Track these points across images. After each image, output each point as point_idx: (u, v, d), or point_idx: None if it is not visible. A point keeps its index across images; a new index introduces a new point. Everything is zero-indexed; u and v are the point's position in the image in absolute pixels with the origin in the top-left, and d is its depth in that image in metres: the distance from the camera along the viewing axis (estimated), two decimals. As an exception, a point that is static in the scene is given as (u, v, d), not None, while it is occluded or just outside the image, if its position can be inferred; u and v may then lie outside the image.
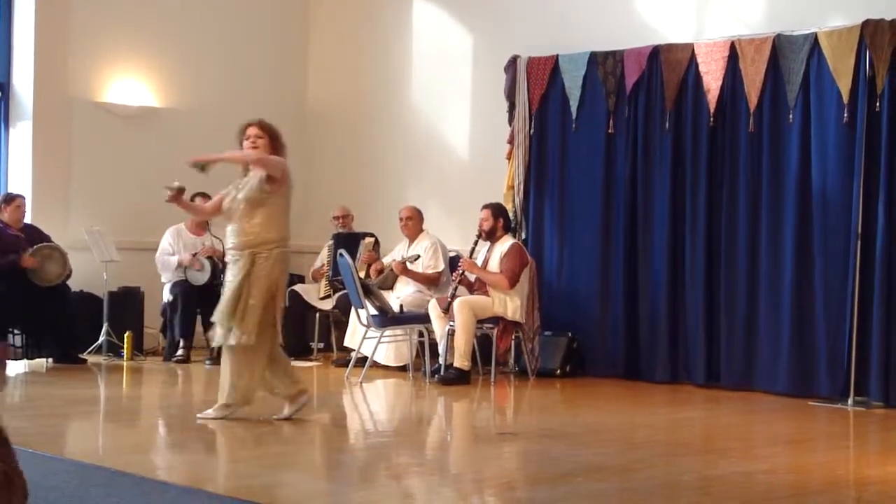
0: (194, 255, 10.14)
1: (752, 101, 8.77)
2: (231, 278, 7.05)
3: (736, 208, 8.90)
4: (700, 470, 5.71)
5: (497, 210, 9.46)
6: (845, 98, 8.28)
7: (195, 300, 10.08)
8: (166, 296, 10.23)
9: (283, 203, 7.17)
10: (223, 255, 10.11)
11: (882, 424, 7.68)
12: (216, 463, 6.15)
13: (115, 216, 10.75)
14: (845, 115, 8.29)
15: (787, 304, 8.60)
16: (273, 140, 7.31)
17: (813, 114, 8.52)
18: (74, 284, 10.06)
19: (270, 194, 7.08)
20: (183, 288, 10.07)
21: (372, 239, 10.46)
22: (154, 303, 10.46)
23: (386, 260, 10.20)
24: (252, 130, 7.31)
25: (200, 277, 10.08)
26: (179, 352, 9.99)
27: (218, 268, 10.03)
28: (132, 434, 7.09)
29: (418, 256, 9.78)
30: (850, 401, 8.09)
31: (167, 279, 10.28)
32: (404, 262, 9.75)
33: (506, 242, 9.31)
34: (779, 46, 8.66)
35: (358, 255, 10.11)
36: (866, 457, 6.73)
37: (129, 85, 11.06)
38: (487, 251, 9.40)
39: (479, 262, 9.34)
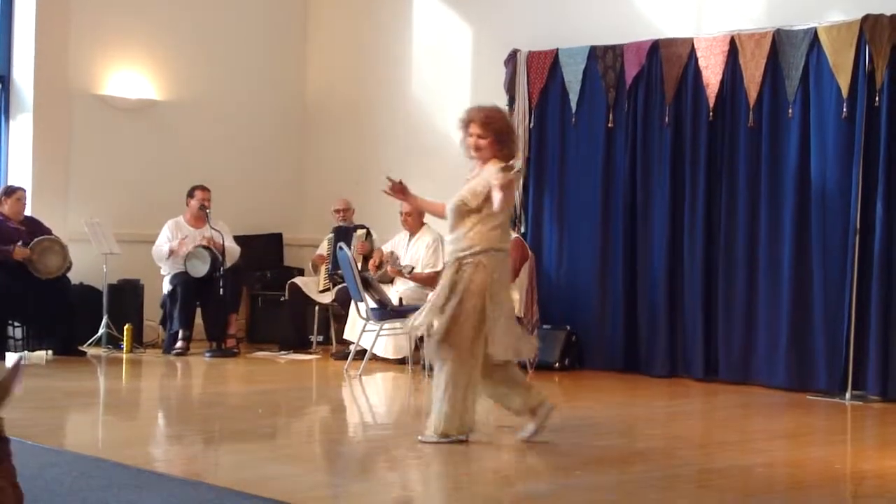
0: (194, 247, 10.12)
1: (752, 95, 8.77)
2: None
3: (735, 203, 8.91)
4: (698, 463, 5.72)
5: (497, 205, 9.45)
6: (845, 93, 8.29)
7: (195, 292, 10.09)
8: (166, 288, 10.24)
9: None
10: (222, 247, 10.13)
11: (879, 418, 7.69)
12: (215, 455, 6.17)
13: (115, 208, 10.76)
14: (844, 109, 8.29)
15: (786, 299, 8.62)
16: (499, 138, 6.19)
17: (812, 108, 8.53)
18: (74, 277, 10.06)
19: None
20: (182, 280, 10.08)
21: (364, 231, 10.47)
22: (154, 295, 10.47)
23: (385, 248, 10.18)
24: (473, 129, 6.21)
25: (200, 269, 10.08)
26: (179, 344, 9.99)
27: (218, 260, 10.03)
28: (131, 426, 7.10)
29: (413, 268, 9.78)
30: (847, 395, 8.11)
31: (166, 271, 10.29)
32: (400, 272, 9.75)
33: (506, 237, 9.30)
34: (778, 41, 8.66)
35: (352, 246, 10.11)
36: (863, 451, 6.75)
37: (130, 77, 11.06)
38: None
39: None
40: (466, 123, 6.23)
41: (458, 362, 6.01)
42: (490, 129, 6.16)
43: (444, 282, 6.14)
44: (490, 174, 6.06)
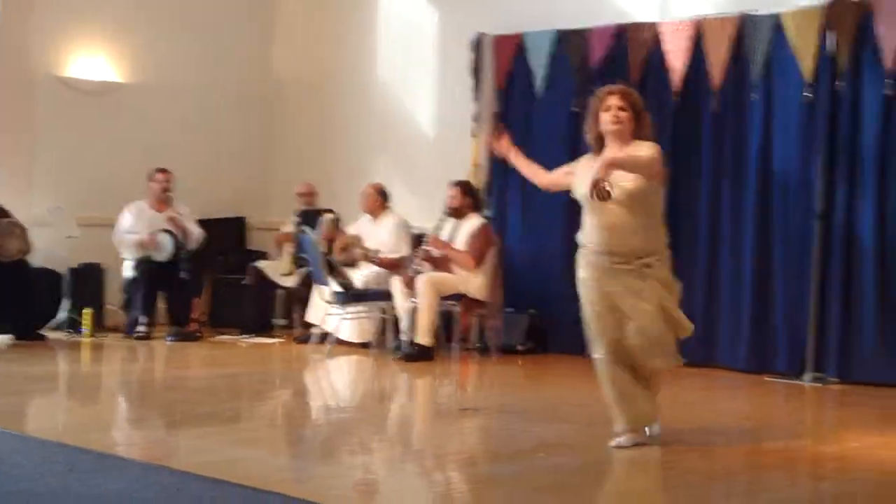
0: (155, 232, 10.06)
1: (716, 79, 8.81)
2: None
3: (698, 186, 8.95)
4: (660, 445, 5.74)
5: (466, 188, 9.48)
6: (807, 77, 8.34)
7: (157, 276, 10.03)
8: (127, 272, 10.17)
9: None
10: (185, 229, 10.07)
11: (839, 400, 7.77)
12: (177, 439, 6.14)
13: (77, 192, 10.67)
14: (807, 94, 8.34)
15: (748, 282, 8.67)
16: (637, 115, 5.76)
17: (775, 93, 8.58)
18: (35, 260, 9.98)
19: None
20: (144, 264, 10.01)
21: (332, 216, 10.42)
22: (115, 279, 10.40)
23: (351, 231, 10.15)
24: (613, 100, 5.72)
25: (162, 253, 10.01)
26: (141, 328, 9.93)
27: (180, 244, 9.97)
28: (93, 411, 7.07)
29: (378, 251, 9.76)
30: (807, 377, 8.18)
31: (127, 256, 10.21)
32: (367, 255, 9.73)
33: (473, 221, 9.32)
34: (742, 25, 8.70)
35: (318, 231, 10.07)
36: (823, 432, 6.81)
37: (93, 60, 10.96)
38: (454, 228, 9.41)
39: (445, 238, 9.34)
40: (602, 98, 5.74)
41: None
42: (629, 103, 5.71)
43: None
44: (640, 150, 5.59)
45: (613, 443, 5.67)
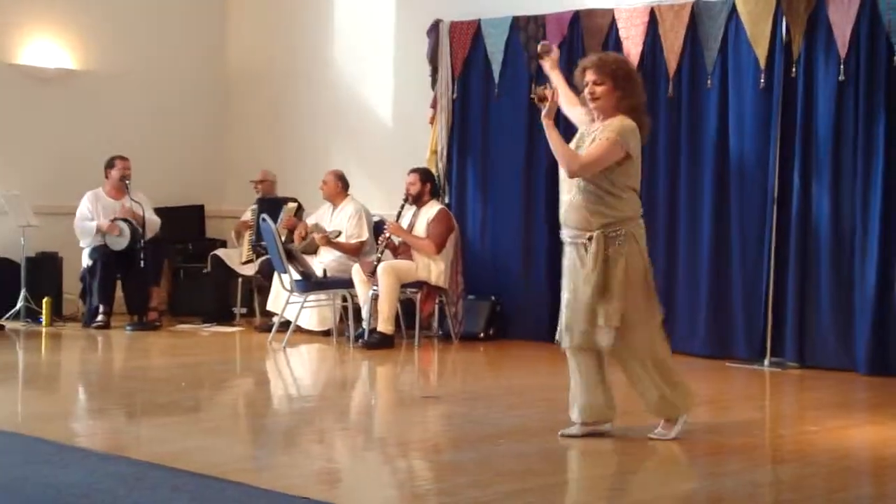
0: (113, 220, 10.01)
1: (672, 66, 8.85)
2: None
3: (655, 172, 8.98)
4: (619, 431, 5.78)
5: (425, 175, 9.48)
6: (762, 63, 8.40)
7: (115, 265, 9.97)
8: (85, 261, 10.10)
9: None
10: (143, 219, 10.01)
11: (797, 385, 7.84)
12: (137, 429, 6.12)
13: (33, 180, 10.57)
14: (762, 80, 8.40)
15: (705, 268, 8.73)
16: (619, 84, 5.55)
17: (730, 79, 8.63)
18: (-9, 250, 9.91)
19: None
20: (102, 253, 9.95)
21: (294, 204, 10.40)
22: (73, 268, 10.32)
23: (310, 221, 10.13)
24: (588, 75, 5.58)
25: (120, 242, 9.95)
26: (99, 317, 9.87)
27: (138, 232, 9.91)
28: (51, 401, 7.02)
29: (340, 233, 9.76)
30: (766, 362, 8.26)
31: (86, 244, 10.14)
32: (327, 237, 9.72)
33: (433, 207, 9.34)
34: (697, 12, 8.75)
35: (279, 219, 10.05)
36: (782, 416, 6.88)
37: (46, 47, 10.85)
38: (413, 215, 9.41)
39: (405, 225, 9.35)
40: (582, 72, 5.63)
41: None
42: (606, 74, 5.54)
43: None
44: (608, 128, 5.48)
45: (563, 431, 5.68)
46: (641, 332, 5.60)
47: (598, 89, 5.54)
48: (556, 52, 6.03)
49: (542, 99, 5.61)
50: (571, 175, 5.54)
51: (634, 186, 5.61)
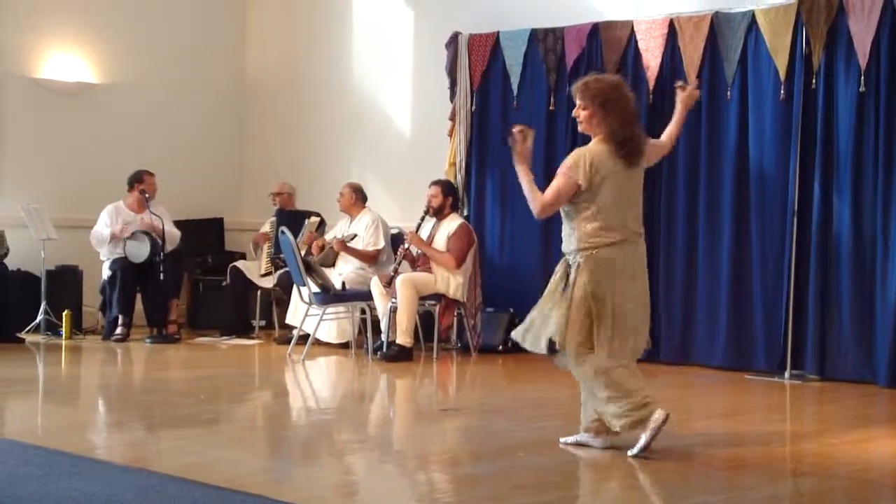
0: (124, 226, 10.03)
1: (691, 78, 8.81)
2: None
3: (674, 184, 8.98)
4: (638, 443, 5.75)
5: (447, 187, 9.49)
6: (782, 75, 8.37)
7: (135, 278, 10.00)
8: (105, 273, 10.13)
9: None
10: (162, 232, 10.04)
11: (817, 397, 7.80)
12: (156, 442, 6.12)
13: (53, 194, 10.63)
14: (782, 92, 8.38)
15: (725, 280, 8.70)
16: (597, 108, 5.58)
17: (750, 91, 8.61)
18: (12, 263, 9.95)
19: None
20: (122, 266, 9.98)
21: (317, 219, 10.41)
22: (93, 281, 10.36)
23: (328, 236, 10.17)
24: (576, 100, 5.68)
25: (140, 255, 9.98)
26: (119, 330, 9.90)
27: (158, 245, 9.94)
28: (71, 413, 7.04)
29: (355, 235, 9.78)
30: (786, 374, 8.22)
31: (106, 256, 10.17)
32: (342, 241, 9.75)
33: (453, 221, 9.33)
34: (717, 24, 8.73)
35: (301, 233, 10.06)
36: (802, 429, 6.84)
37: (66, 60, 10.91)
38: (433, 228, 9.42)
39: (424, 237, 9.35)
40: (573, 95, 5.70)
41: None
42: (587, 98, 5.58)
43: None
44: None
45: (563, 438, 5.75)
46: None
47: (581, 114, 5.64)
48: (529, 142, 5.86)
49: (513, 140, 5.79)
50: (538, 217, 5.77)
51: (596, 215, 5.57)
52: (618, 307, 5.54)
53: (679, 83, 6.18)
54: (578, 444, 5.71)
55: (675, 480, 5.25)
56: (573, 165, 5.58)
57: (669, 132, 6.06)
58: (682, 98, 6.11)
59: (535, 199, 5.68)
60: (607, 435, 5.65)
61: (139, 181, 10.24)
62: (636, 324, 5.65)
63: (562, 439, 5.77)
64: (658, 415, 5.45)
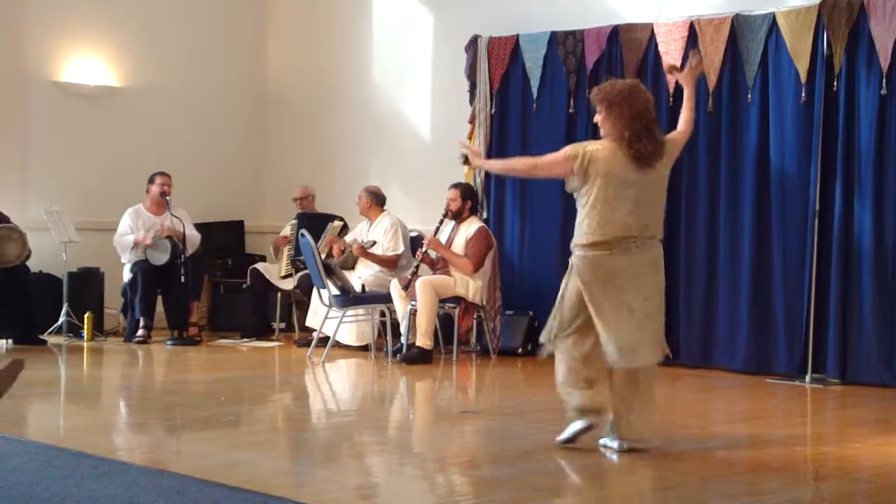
0: (147, 232, 10.08)
1: (711, 80, 8.82)
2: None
3: (695, 187, 8.96)
4: (659, 447, 5.75)
5: (466, 191, 9.49)
6: (803, 78, 8.35)
7: (156, 280, 10.04)
8: (126, 276, 10.18)
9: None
10: (183, 235, 10.08)
11: (839, 401, 7.77)
12: (177, 443, 6.15)
13: (75, 196, 10.68)
14: (803, 94, 8.36)
15: (746, 283, 8.68)
16: (608, 111, 5.65)
17: (771, 93, 8.59)
18: (34, 265, 9.99)
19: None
20: (143, 268, 10.02)
21: (339, 223, 10.42)
22: (114, 283, 10.41)
23: (348, 239, 10.18)
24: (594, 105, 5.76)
25: (161, 257, 10.03)
26: (140, 332, 9.94)
27: (178, 248, 9.98)
28: (93, 415, 7.06)
29: (374, 242, 9.79)
30: (807, 378, 8.19)
31: (127, 259, 10.22)
32: (362, 247, 9.76)
33: (472, 225, 9.33)
34: (737, 26, 8.71)
35: (323, 236, 10.07)
36: (823, 433, 6.82)
37: (88, 64, 10.97)
38: (452, 231, 9.42)
39: (443, 240, 9.35)
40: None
41: None
42: (600, 101, 5.68)
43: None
44: None
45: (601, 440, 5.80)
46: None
47: (597, 117, 5.73)
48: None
49: (466, 162, 6.20)
50: (528, 172, 6.14)
51: (590, 211, 5.69)
52: (596, 307, 5.63)
53: (668, 65, 6.18)
54: (606, 447, 5.71)
55: (696, 483, 5.24)
56: (576, 147, 5.71)
57: (684, 117, 6.07)
58: (685, 75, 6.15)
59: (520, 161, 6.00)
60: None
61: (151, 182, 10.31)
62: (620, 334, 5.59)
63: (600, 440, 5.76)
64: (582, 424, 5.62)
